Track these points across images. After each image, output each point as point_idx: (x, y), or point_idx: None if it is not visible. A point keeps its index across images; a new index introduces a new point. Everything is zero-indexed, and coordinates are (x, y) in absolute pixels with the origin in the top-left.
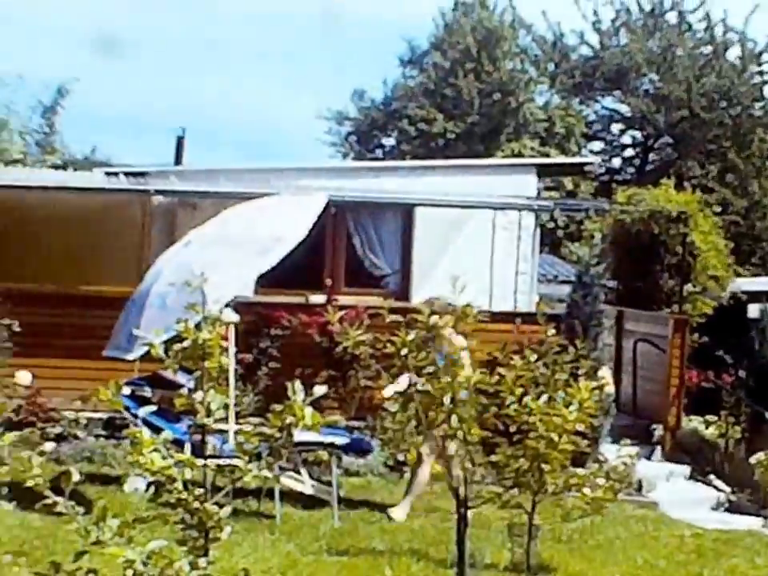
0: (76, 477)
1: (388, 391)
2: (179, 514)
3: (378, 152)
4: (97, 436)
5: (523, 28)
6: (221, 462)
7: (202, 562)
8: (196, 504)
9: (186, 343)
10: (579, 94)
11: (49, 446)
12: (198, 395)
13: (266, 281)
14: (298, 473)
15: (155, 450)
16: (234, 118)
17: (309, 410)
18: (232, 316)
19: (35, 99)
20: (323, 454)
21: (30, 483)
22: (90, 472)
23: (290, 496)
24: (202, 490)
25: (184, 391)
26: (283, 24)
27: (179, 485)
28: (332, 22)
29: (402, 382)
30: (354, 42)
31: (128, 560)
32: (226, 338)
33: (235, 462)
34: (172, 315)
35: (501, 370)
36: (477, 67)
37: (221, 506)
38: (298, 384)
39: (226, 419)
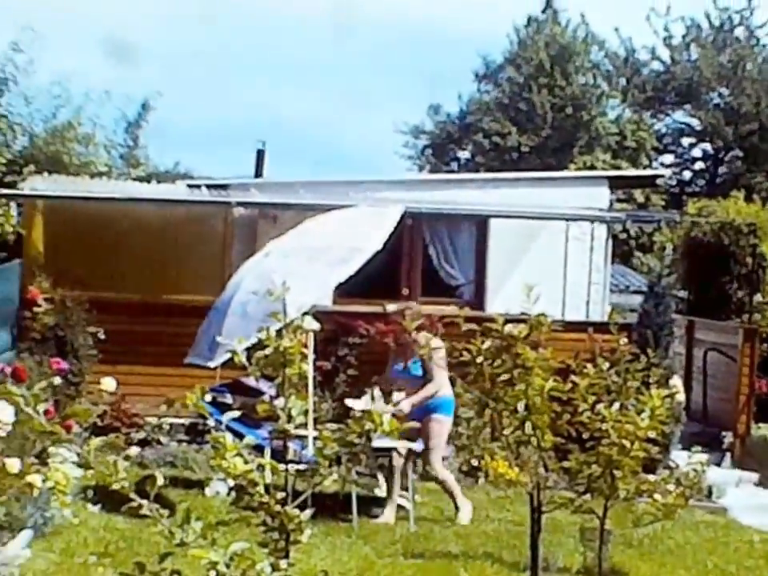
0: (160, 481)
1: (356, 404)
2: (260, 517)
3: (454, 165)
4: (179, 441)
5: (595, 44)
6: (301, 466)
7: (282, 563)
8: (277, 507)
9: (267, 351)
10: (650, 108)
11: (134, 450)
12: (280, 401)
13: (344, 290)
14: (375, 477)
15: (238, 454)
16: (314, 132)
17: (387, 417)
18: (313, 324)
19: (120, 114)
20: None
21: (115, 486)
22: (172, 476)
23: (367, 500)
24: (282, 494)
25: (265, 398)
26: (360, 40)
27: (261, 488)
28: (408, 39)
29: (365, 401)
30: (430, 57)
31: (211, 561)
32: (306, 346)
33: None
34: (253, 323)
35: (574, 378)
36: (550, 82)
37: (301, 510)
38: (377, 391)
39: (305, 425)
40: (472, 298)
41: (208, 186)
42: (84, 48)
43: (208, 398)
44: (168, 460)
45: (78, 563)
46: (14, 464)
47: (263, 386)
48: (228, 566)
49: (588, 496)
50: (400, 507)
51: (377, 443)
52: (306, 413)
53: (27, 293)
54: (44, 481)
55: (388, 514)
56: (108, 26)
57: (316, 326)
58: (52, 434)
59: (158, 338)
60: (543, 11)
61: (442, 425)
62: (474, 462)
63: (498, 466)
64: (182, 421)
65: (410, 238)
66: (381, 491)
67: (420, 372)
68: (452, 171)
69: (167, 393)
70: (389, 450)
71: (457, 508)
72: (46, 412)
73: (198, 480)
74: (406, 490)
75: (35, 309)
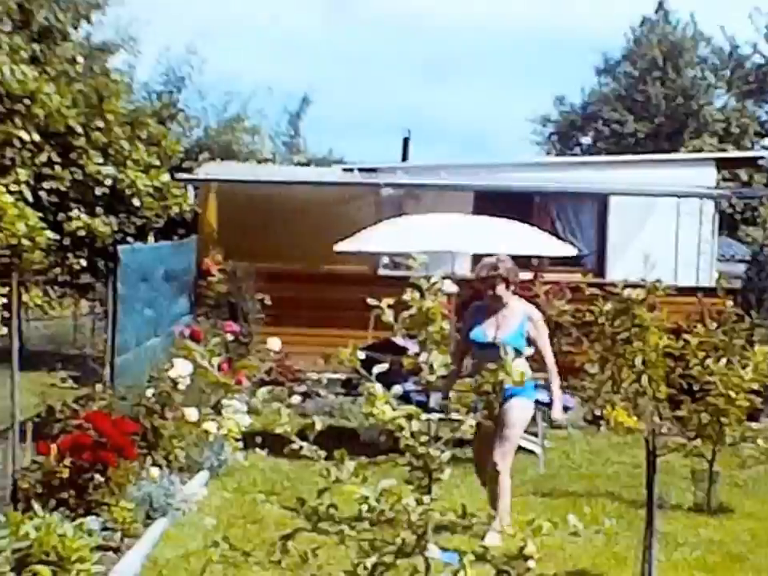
0: (319, 426)
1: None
2: (407, 458)
3: (577, 150)
4: (336, 394)
5: (703, 40)
6: (442, 415)
7: (425, 499)
8: (421, 449)
9: (412, 311)
10: (753, 97)
11: (295, 399)
12: (423, 356)
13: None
14: None
15: (386, 402)
16: (455, 122)
17: (517, 367)
18: (451, 287)
19: (282, 106)
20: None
21: (279, 431)
22: (330, 425)
23: None
24: (426, 438)
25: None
26: (497, 39)
27: (407, 433)
28: (537, 39)
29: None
30: (557, 54)
31: (363, 496)
32: (447, 308)
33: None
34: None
35: (685, 336)
36: (662, 75)
37: (442, 452)
38: (509, 347)
39: (445, 377)
40: (594, 266)
41: (360, 170)
42: (250, 48)
43: (361, 355)
44: (326, 410)
45: (248, 500)
46: (192, 413)
47: (409, 344)
48: (377, 500)
49: (698, 441)
50: (530, 452)
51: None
52: (446, 366)
53: (203, 264)
54: (218, 428)
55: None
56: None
57: (454, 288)
58: (225, 385)
59: (317, 303)
60: (656, 12)
61: (526, 413)
62: (597, 412)
63: (618, 415)
64: (338, 376)
65: (539, 214)
66: None
67: (520, 346)
68: (575, 155)
69: (325, 351)
70: None
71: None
72: (220, 367)
73: (351, 428)
74: (536, 436)
75: (210, 278)
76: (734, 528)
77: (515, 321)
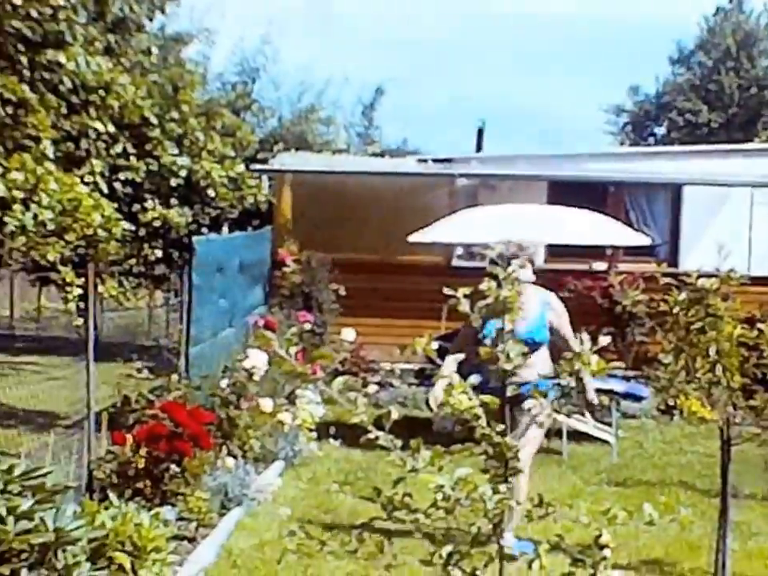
0: (395, 415)
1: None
2: (482, 447)
3: (651, 140)
4: (409, 384)
5: None
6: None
7: (501, 488)
8: (497, 438)
9: (488, 300)
10: None
11: (371, 388)
12: (499, 345)
13: (555, 250)
14: (583, 415)
15: (463, 392)
16: (530, 112)
17: (594, 358)
18: (528, 276)
19: (357, 97)
20: (604, 399)
21: (355, 420)
22: (403, 415)
23: (575, 435)
24: (502, 427)
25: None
26: (567, 28)
27: (483, 422)
28: (612, 29)
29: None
30: (630, 45)
31: (438, 485)
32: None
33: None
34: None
35: (760, 326)
36: (736, 65)
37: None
38: (585, 335)
39: (521, 367)
40: (667, 256)
41: (434, 160)
42: (324, 38)
43: (435, 345)
44: (399, 400)
45: (323, 490)
46: (267, 404)
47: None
48: (453, 489)
49: None
50: (604, 441)
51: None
52: (523, 355)
53: (277, 255)
54: (293, 419)
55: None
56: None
57: (532, 277)
58: (302, 375)
59: (392, 294)
60: (730, 1)
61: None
62: (671, 402)
63: (691, 405)
64: (411, 366)
65: (613, 204)
66: (587, 427)
67: (542, 338)
68: (649, 145)
69: (399, 341)
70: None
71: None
72: (296, 357)
73: (425, 418)
74: (610, 425)
75: (284, 269)
76: None
77: (534, 309)
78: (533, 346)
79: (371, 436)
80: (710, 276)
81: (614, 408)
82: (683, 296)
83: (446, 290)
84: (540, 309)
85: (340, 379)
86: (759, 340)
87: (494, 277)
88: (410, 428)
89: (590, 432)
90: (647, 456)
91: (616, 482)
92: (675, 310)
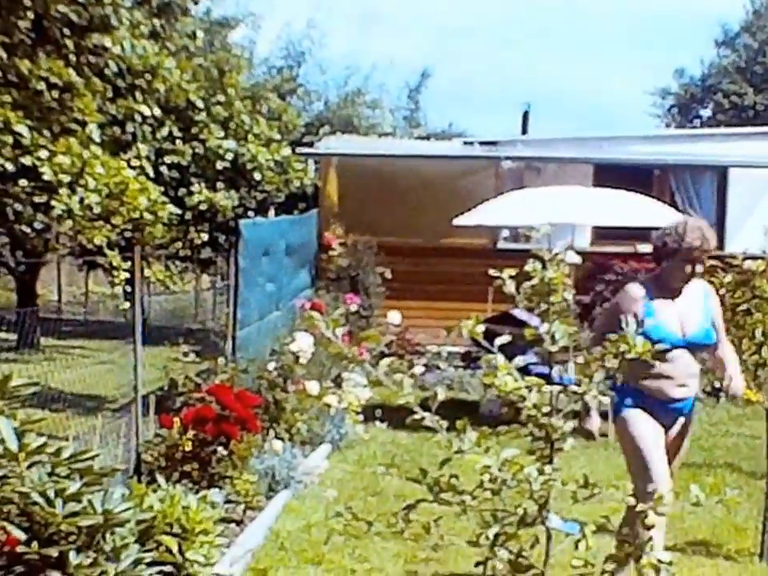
0: (441, 396)
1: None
2: (529, 428)
3: (696, 122)
4: (456, 367)
5: None
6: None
7: (547, 468)
8: (543, 419)
9: (534, 281)
10: None
11: (417, 369)
12: (544, 326)
13: (601, 233)
14: None
15: (508, 373)
16: (575, 95)
17: (640, 339)
18: (574, 258)
19: (403, 81)
20: None
21: (401, 401)
22: (449, 397)
23: None
24: (548, 408)
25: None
26: (612, 11)
27: (529, 403)
28: (652, 7)
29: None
30: (677, 27)
31: (485, 466)
32: (568, 277)
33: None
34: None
35: None
36: None
37: (564, 422)
38: (630, 317)
39: (567, 349)
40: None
41: (480, 143)
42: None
43: (482, 328)
44: (446, 383)
45: (369, 473)
46: (313, 387)
47: (530, 317)
48: (500, 470)
49: None
50: None
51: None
52: (568, 336)
53: (323, 238)
54: (339, 401)
55: None
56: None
57: (577, 259)
58: (348, 357)
59: (438, 277)
60: None
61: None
62: (716, 384)
63: None
64: (457, 349)
65: (659, 186)
66: None
67: (712, 339)
68: (695, 128)
69: (445, 324)
70: None
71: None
72: (342, 339)
73: (471, 401)
74: None
75: (330, 252)
76: None
77: (697, 305)
78: (703, 349)
79: (417, 416)
80: (756, 258)
81: None
82: (729, 278)
83: (492, 272)
84: (702, 303)
85: (386, 360)
86: None
87: (540, 258)
88: (457, 410)
89: None
90: (693, 438)
91: None
92: (721, 292)
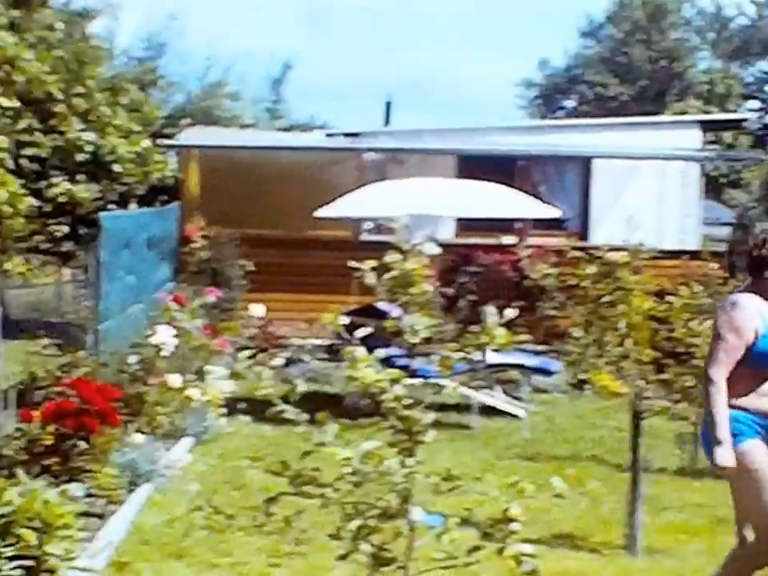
0: (301, 388)
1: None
2: (390, 421)
3: (561, 113)
4: (320, 359)
5: (687, 1)
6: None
7: (409, 461)
8: (404, 412)
9: (393, 273)
10: (737, 58)
11: (278, 361)
12: (405, 318)
13: (465, 224)
14: (491, 389)
15: (369, 365)
16: (438, 86)
17: (500, 331)
18: (434, 249)
19: (265, 72)
20: (515, 374)
21: (261, 392)
22: (314, 391)
23: (486, 410)
24: (409, 401)
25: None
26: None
27: (389, 395)
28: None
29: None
30: (539, 15)
31: (346, 458)
32: (430, 271)
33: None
34: None
35: (670, 298)
36: (646, 37)
37: (425, 414)
38: (491, 308)
39: (429, 341)
40: (577, 229)
41: (344, 135)
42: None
43: (345, 320)
44: (309, 376)
45: (232, 466)
46: (175, 380)
47: (393, 309)
48: (361, 463)
49: (683, 404)
50: (515, 416)
51: (493, 360)
52: (429, 328)
53: (185, 231)
54: (201, 394)
55: None
56: None
57: (436, 250)
58: (207, 348)
59: (301, 269)
60: None
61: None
62: (582, 376)
63: (602, 379)
64: (321, 342)
65: (523, 178)
66: (497, 402)
67: None
68: (559, 119)
69: (309, 317)
70: (505, 365)
71: None
72: (202, 331)
73: (335, 393)
74: (521, 400)
75: (192, 245)
76: (719, 490)
77: None
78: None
79: (277, 409)
80: (619, 249)
81: (525, 383)
82: (593, 269)
83: (352, 263)
84: None
85: (245, 353)
86: (669, 313)
87: (400, 249)
88: (323, 403)
89: (500, 407)
90: (559, 430)
91: (527, 456)
92: (584, 284)
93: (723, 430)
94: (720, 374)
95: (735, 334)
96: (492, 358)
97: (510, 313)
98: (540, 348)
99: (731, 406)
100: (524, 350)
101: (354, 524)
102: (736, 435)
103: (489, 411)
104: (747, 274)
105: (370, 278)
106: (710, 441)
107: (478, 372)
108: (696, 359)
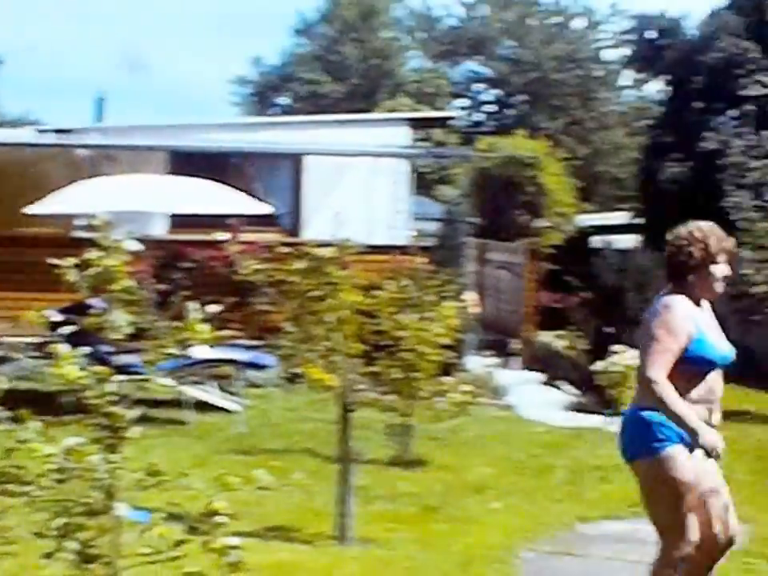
0: (3, 386)
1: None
2: (94, 417)
3: (275, 110)
4: (34, 357)
5: (397, 1)
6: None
7: (114, 457)
8: (107, 408)
9: (95, 269)
10: (447, 58)
11: None
12: (108, 315)
13: (177, 221)
14: (204, 384)
15: (74, 362)
16: (155, 84)
17: (204, 326)
18: (135, 245)
19: None
20: (228, 369)
21: None
22: (28, 388)
23: (201, 406)
24: (115, 398)
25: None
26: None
27: (92, 392)
28: None
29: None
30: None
31: (48, 454)
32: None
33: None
34: None
35: (376, 292)
36: (358, 36)
37: (129, 410)
38: (193, 304)
39: (134, 337)
40: (290, 226)
41: (56, 131)
42: None
43: (57, 317)
44: (23, 375)
45: None
46: None
47: (105, 306)
48: (64, 459)
49: (393, 396)
50: (230, 411)
51: (205, 355)
52: (131, 325)
53: None
54: None
55: None
56: None
57: (138, 246)
58: None
59: (12, 267)
60: None
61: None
62: (295, 370)
63: (314, 373)
64: (35, 339)
65: (236, 174)
66: (211, 397)
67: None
68: (273, 116)
69: (20, 315)
70: (217, 361)
71: None
72: None
73: (50, 391)
74: (235, 395)
75: None
76: (429, 480)
77: (713, 319)
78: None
79: None
80: (328, 245)
81: (238, 378)
82: (301, 265)
83: (52, 261)
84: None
85: None
86: (377, 306)
87: (101, 246)
88: (34, 402)
89: (214, 402)
90: (273, 424)
91: (242, 450)
92: (293, 279)
93: (694, 418)
94: (661, 374)
95: (670, 335)
96: (205, 353)
97: (213, 308)
98: (254, 343)
99: (656, 409)
100: (237, 345)
101: (58, 521)
102: (660, 440)
103: (204, 407)
104: (667, 279)
105: (72, 275)
106: (670, 437)
107: (190, 368)
108: (403, 352)
